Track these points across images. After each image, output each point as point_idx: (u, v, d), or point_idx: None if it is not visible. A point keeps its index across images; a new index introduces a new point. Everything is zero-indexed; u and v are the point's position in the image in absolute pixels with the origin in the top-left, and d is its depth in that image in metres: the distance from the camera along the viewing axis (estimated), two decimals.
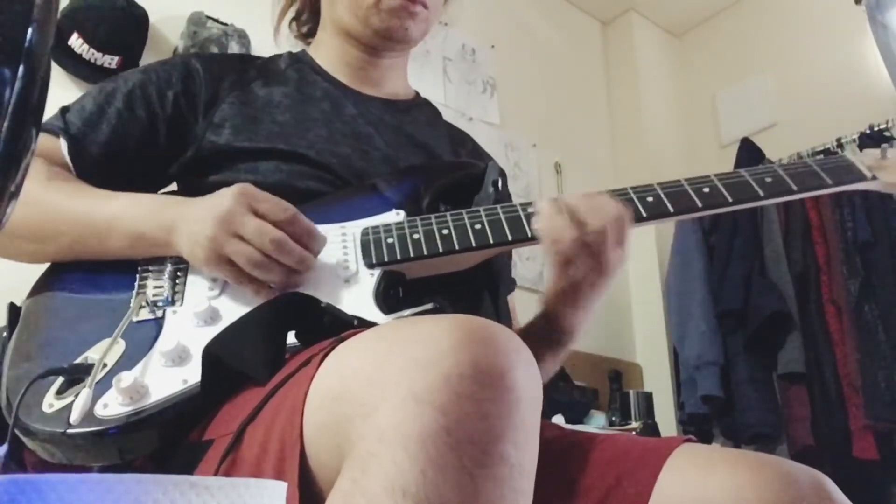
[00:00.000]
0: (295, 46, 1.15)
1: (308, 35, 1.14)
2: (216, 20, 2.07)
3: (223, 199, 0.77)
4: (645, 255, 3.03)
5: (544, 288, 0.88)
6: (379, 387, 0.49)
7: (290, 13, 1.14)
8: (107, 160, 0.90)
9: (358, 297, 0.80)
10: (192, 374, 0.72)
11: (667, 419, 2.70)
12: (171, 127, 0.92)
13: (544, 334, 0.89)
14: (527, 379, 0.51)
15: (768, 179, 0.87)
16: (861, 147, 2.59)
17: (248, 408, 0.64)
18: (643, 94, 3.30)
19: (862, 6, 2.71)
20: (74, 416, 0.68)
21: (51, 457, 0.72)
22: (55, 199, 0.83)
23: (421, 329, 0.52)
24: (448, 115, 1.19)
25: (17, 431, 0.69)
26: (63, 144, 0.88)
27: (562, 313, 0.87)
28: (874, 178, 0.88)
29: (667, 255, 2.90)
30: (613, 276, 0.85)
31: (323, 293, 0.76)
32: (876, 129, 2.62)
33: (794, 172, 0.87)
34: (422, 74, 2.58)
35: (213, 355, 0.70)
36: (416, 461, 0.44)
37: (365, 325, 0.70)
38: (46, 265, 0.87)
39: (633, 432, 2.31)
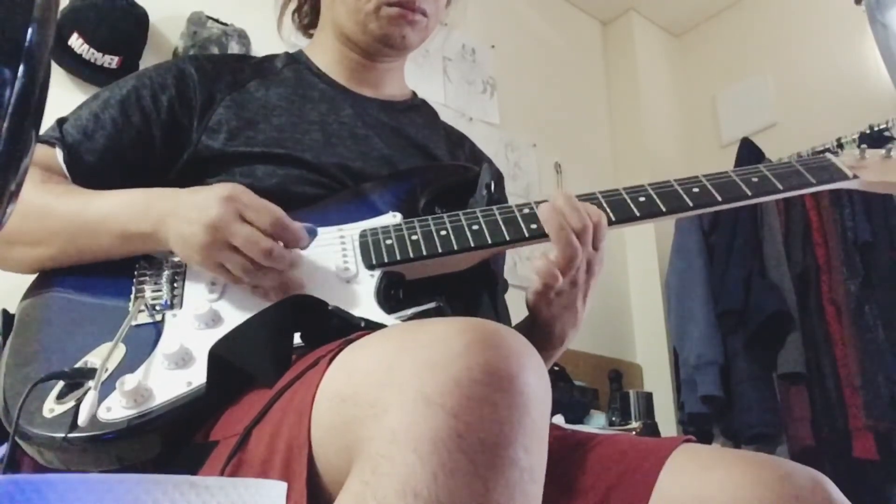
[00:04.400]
0: (299, 40, 1.15)
1: (309, 26, 1.14)
2: (216, 20, 2.07)
3: (210, 204, 0.76)
4: (645, 255, 3.03)
5: (527, 293, 0.87)
6: (389, 388, 0.49)
7: (292, 5, 1.14)
8: (103, 168, 0.89)
9: (359, 298, 0.80)
10: (196, 376, 0.72)
11: (667, 419, 2.70)
12: (167, 131, 0.92)
13: (532, 339, 0.89)
14: (537, 382, 0.50)
15: (755, 179, 0.90)
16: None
17: (253, 410, 0.64)
18: (643, 94, 3.30)
19: (862, 6, 2.71)
20: (82, 418, 0.67)
21: (47, 462, 0.71)
22: (47, 201, 0.83)
23: (431, 331, 0.52)
24: (448, 116, 1.20)
25: (15, 436, 0.69)
26: (59, 154, 0.88)
27: (548, 318, 0.87)
28: (855, 176, 0.92)
29: (667, 255, 2.90)
30: (595, 279, 0.86)
31: (324, 295, 0.76)
32: (876, 129, 2.62)
33: (779, 172, 0.91)
34: (422, 74, 2.58)
35: (220, 356, 0.70)
36: (427, 464, 0.44)
37: (372, 326, 0.71)
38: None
39: (633, 432, 2.31)
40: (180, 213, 0.78)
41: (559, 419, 2.12)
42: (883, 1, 2.61)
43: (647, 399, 2.47)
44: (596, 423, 2.36)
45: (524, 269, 2.54)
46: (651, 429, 2.38)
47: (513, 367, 0.49)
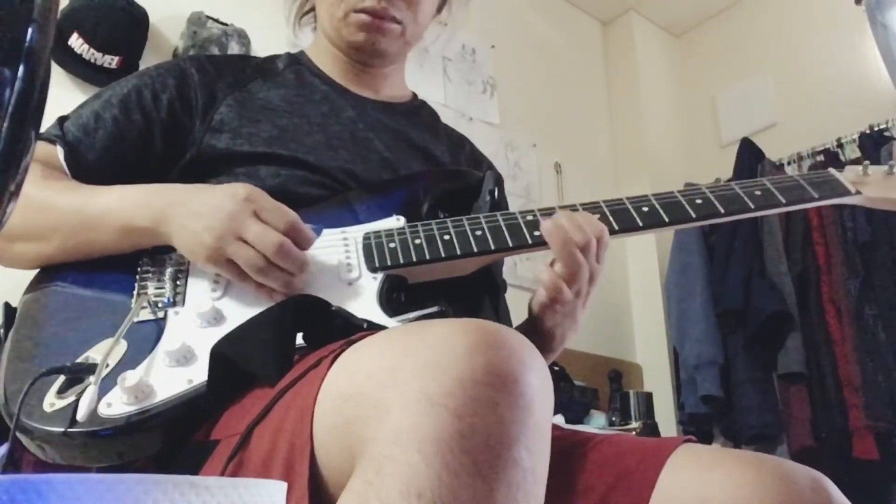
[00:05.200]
0: (310, 39, 1.15)
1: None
2: (216, 20, 2.07)
3: (226, 202, 0.76)
4: (645, 255, 3.03)
5: (531, 299, 0.89)
6: (392, 389, 0.49)
7: (307, 6, 1.13)
8: (103, 166, 0.89)
9: (362, 300, 0.81)
10: (197, 374, 0.72)
11: (667, 419, 2.70)
12: (167, 131, 0.92)
13: (531, 342, 0.90)
14: (540, 383, 0.51)
15: (758, 192, 0.90)
16: (861, 147, 2.59)
17: (255, 409, 0.64)
18: (643, 94, 3.30)
19: (862, 6, 2.71)
20: (82, 413, 0.67)
21: (49, 459, 0.71)
22: (48, 196, 0.83)
23: (434, 332, 0.52)
24: (448, 116, 1.20)
25: (16, 431, 0.69)
26: (60, 151, 0.88)
27: (552, 326, 0.88)
28: (858, 192, 0.92)
29: (667, 255, 2.90)
30: (595, 286, 0.87)
31: (327, 295, 0.76)
32: (876, 129, 2.62)
33: (782, 186, 0.91)
34: (422, 74, 2.58)
35: (222, 355, 0.70)
36: (431, 464, 0.44)
37: (374, 328, 0.71)
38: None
39: (633, 432, 2.31)
40: (192, 208, 0.78)
41: (559, 419, 2.12)
42: (883, 1, 2.61)
43: (647, 399, 2.48)
44: (596, 423, 2.36)
45: (524, 269, 2.54)
46: (651, 429, 2.38)
47: (515, 367, 0.49)
